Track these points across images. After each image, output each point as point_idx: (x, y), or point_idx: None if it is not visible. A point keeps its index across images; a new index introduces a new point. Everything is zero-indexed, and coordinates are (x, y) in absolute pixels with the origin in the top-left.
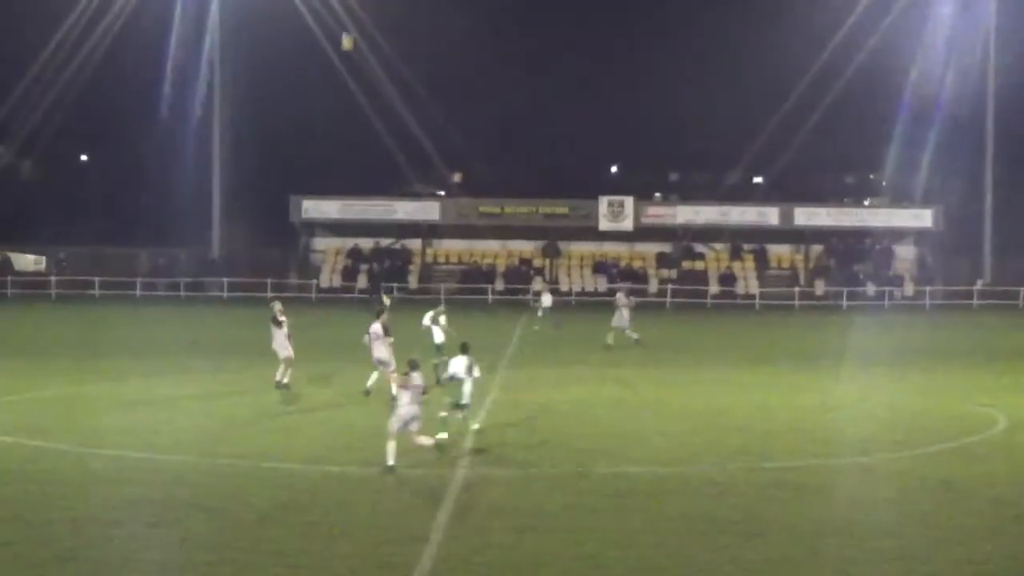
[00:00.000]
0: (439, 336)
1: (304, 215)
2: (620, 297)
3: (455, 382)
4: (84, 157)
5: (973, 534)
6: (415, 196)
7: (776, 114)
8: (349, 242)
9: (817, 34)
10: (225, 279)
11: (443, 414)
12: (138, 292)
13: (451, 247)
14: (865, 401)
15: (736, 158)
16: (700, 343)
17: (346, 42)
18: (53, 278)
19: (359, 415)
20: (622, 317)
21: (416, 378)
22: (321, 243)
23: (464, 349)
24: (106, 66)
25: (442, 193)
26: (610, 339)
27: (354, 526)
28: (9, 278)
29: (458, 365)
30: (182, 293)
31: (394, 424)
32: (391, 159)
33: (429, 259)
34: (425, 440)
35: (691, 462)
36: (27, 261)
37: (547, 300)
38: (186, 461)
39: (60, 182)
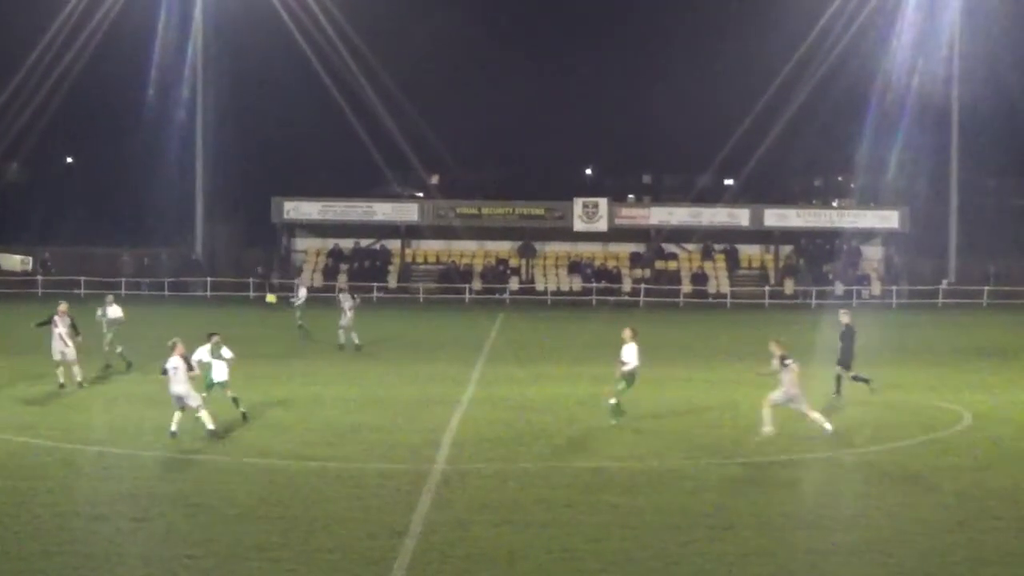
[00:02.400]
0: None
1: (285, 216)
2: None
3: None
4: (69, 159)
5: (938, 526)
6: (394, 197)
7: (747, 117)
8: (330, 242)
9: (786, 38)
10: (208, 279)
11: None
12: (123, 292)
13: (429, 247)
14: (833, 398)
15: (708, 161)
16: (673, 341)
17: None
18: (39, 278)
19: (339, 412)
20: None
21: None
22: (302, 243)
23: (209, 337)
24: (91, 68)
25: (420, 195)
26: None
27: (335, 520)
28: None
29: (202, 352)
30: (166, 293)
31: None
32: (370, 161)
33: (408, 259)
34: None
35: (663, 457)
36: (13, 261)
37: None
38: (169, 457)
39: (45, 183)
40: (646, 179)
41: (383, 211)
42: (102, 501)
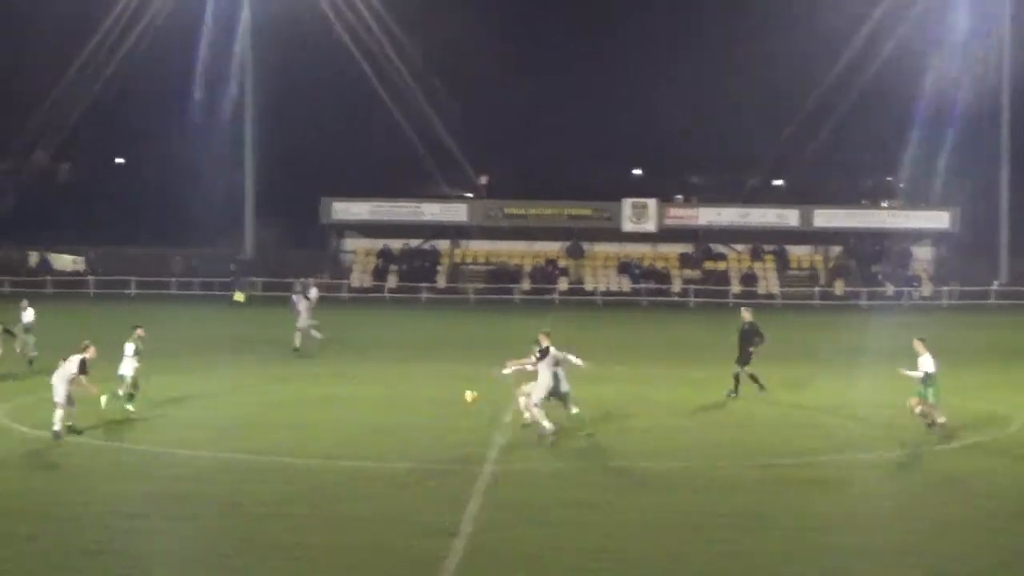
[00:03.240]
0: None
1: (334, 216)
2: None
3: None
4: (119, 159)
5: (972, 529)
6: (443, 198)
7: (796, 118)
8: (379, 243)
9: (836, 38)
10: (259, 279)
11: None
12: (173, 291)
13: (478, 248)
14: (877, 398)
15: (757, 161)
16: (721, 341)
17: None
18: (91, 278)
19: (373, 412)
20: None
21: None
22: (351, 244)
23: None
24: (140, 69)
25: (469, 195)
26: None
27: (383, 520)
28: (48, 277)
29: (128, 349)
30: (216, 293)
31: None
32: (419, 161)
33: (457, 259)
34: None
35: (698, 458)
36: (65, 261)
37: None
38: (207, 457)
39: (95, 184)
40: (695, 180)
41: (432, 211)
42: (140, 500)
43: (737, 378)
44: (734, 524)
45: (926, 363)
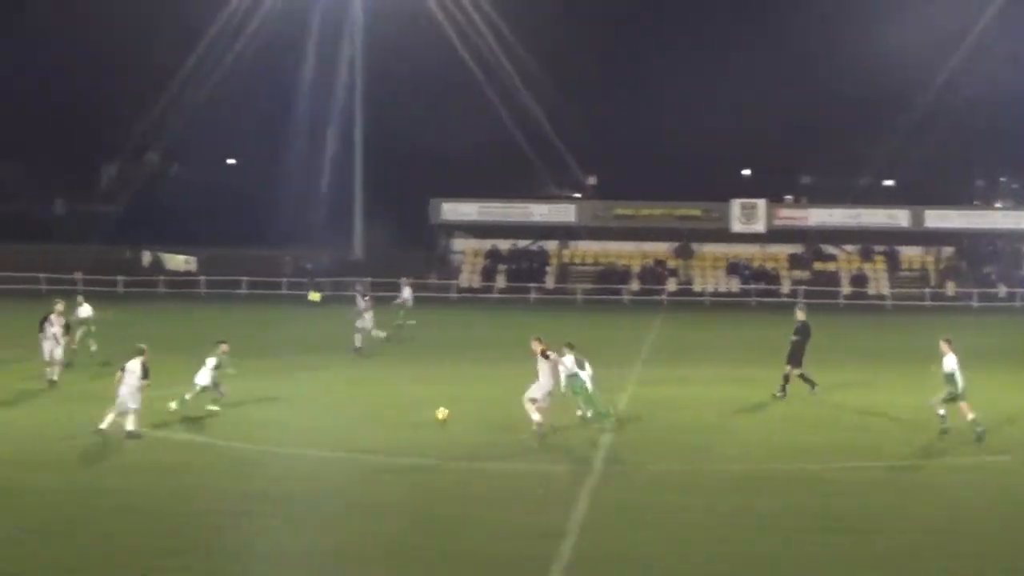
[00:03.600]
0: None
1: (443, 217)
2: None
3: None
4: (231, 160)
5: None
6: (551, 198)
7: (906, 117)
8: (487, 243)
9: (948, 36)
10: (368, 279)
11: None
12: (284, 292)
13: (587, 248)
14: (988, 400)
15: (867, 161)
16: (830, 344)
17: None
18: (202, 278)
19: (493, 412)
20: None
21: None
22: (460, 244)
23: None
24: (251, 70)
25: (578, 195)
26: None
27: (491, 520)
28: (160, 277)
29: (209, 362)
30: (325, 293)
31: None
32: (528, 161)
33: (565, 260)
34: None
35: (802, 460)
36: (177, 261)
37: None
38: (320, 456)
39: (207, 185)
40: (804, 180)
41: (540, 212)
42: (245, 499)
43: (786, 378)
44: (838, 526)
45: (950, 363)
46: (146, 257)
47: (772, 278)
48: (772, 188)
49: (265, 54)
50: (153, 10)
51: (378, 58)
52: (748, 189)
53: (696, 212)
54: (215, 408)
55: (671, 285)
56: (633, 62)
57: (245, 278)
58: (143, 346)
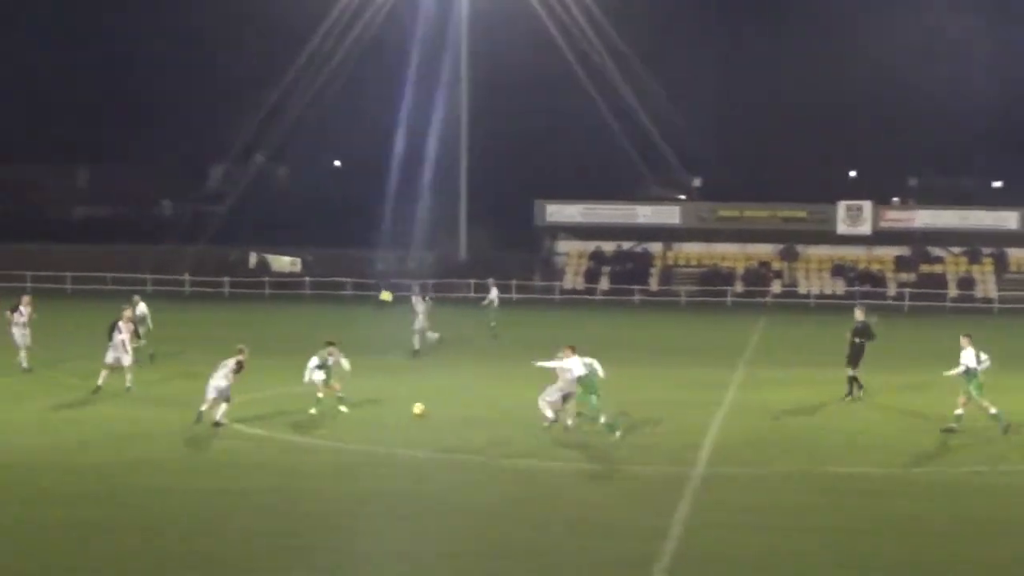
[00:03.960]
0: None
1: (548, 219)
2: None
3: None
4: (336, 162)
5: None
6: (655, 200)
7: (1015, 119)
8: (591, 245)
9: None
10: (472, 281)
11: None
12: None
13: (691, 250)
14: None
15: (974, 162)
16: (936, 347)
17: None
18: (307, 279)
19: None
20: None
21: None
22: (564, 246)
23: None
24: (356, 72)
25: (682, 197)
26: None
27: (592, 521)
28: (266, 279)
29: (312, 361)
30: (431, 295)
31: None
32: (631, 163)
33: (669, 262)
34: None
35: (920, 464)
36: (283, 262)
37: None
38: (427, 456)
39: (312, 186)
40: (911, 181)
41: (644, 214)
42: (364, 499)
43: (851, 381)
44: (959, 530)
45: (967, 357)
46: (252, 258)
47: (878, 280)
48: (878, 190)
49: (371, 56)
50: (261, 12)
51: (483, 60)
52: (854, 191)
53: (801, 214)
54: (345, 409)
55: (775, 287)
56: (739, 63)
57: (350, 279)
58: (242, 346)
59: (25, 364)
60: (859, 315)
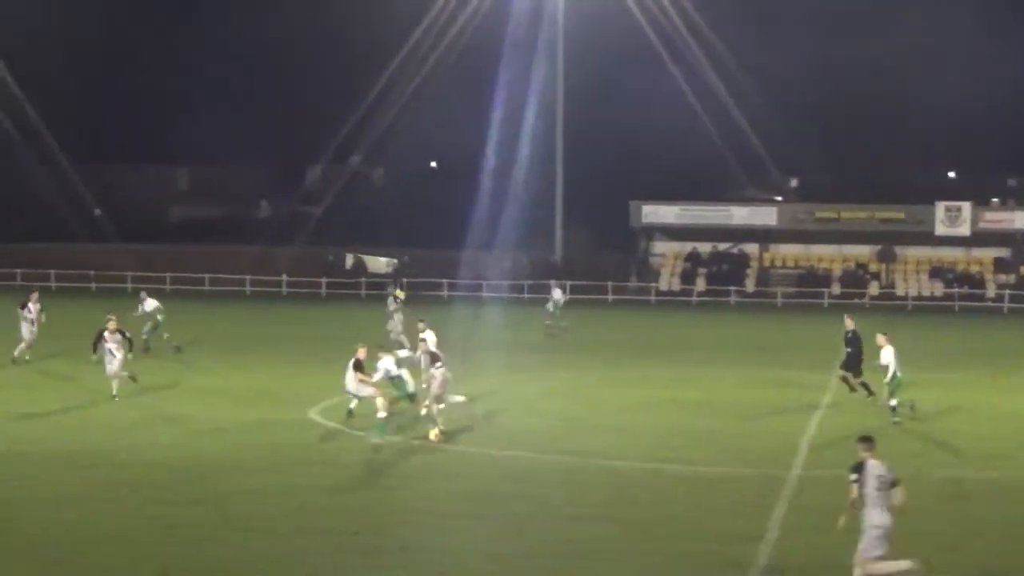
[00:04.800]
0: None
1: (643, 220)
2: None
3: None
4: (433, 164)
5: None
6: (751, 201)
7: None
8: (687, 246)
9: None
10: (567, 282)
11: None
12: (485, 294)
13: (787, 251)
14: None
15: None
16: None
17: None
18: (404, 280)
19: (685, 416)
20: None
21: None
22: (660, 247)
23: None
24: (451, 74)
25: (779, 198)
26: None
27: (690, 523)
28: (363, 279)
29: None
30: (525, 295)
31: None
32: (727, 164)
33: (766, 263)
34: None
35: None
36: (379, 263)
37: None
38: (525, 457)
39: (408, 187)
40: (1011, 182)
41: (741, 215)
42: (454, 498)
43: (864, 386)
44: None
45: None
46: (349, 259)
47: (977, 282)
48: (978, 190)
49: (468, 57)
50: (358, 16)
51: (578, 61)
52: (953, 191)
53: (899, 215)
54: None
55: (873, 289)
56: (837, 63)
57: (446, 280)
58: (357, 345)
59: (16, 354)
60: (848, 324)
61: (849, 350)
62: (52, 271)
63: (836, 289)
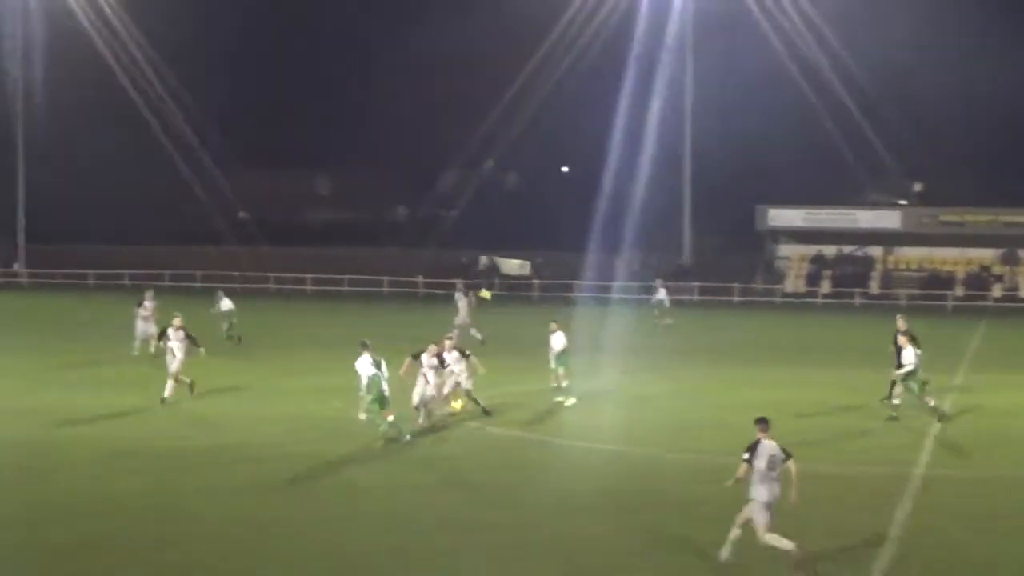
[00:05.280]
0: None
1: (770, 223)
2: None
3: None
4: (564, 168)
5: None
6: (875, 205)
7: None
8: (812, 249)
9: None
10: (695, 283)
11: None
12: (614, 295)
13: (911, 254)
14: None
15: None
16: None
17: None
18: (535, 281)
19: (803, 417)
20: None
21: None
22: (786, 250)
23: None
24: (582, 80)
25: (903, 202)
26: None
27: (812, 522)
28: (496, 280)
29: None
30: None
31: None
32: (851, 168)
33: (890, 265)
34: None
35: None
36: (512, 265)
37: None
38: (652, 454)
39: (541, 192)
40: None
41: (865, 219)
42: (585, 493)
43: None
44: None
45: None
46: (482, 261)
47: None
48: None
49: (598, 64)
50: (492, 26)
51: (705, 67)
52: None
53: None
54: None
55: (996, 291)
56: (957, 69)
57: (576, 282)
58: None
59: (136, 352)
60: (901, 324)
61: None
62: (198, 272)
63: (959, 291)
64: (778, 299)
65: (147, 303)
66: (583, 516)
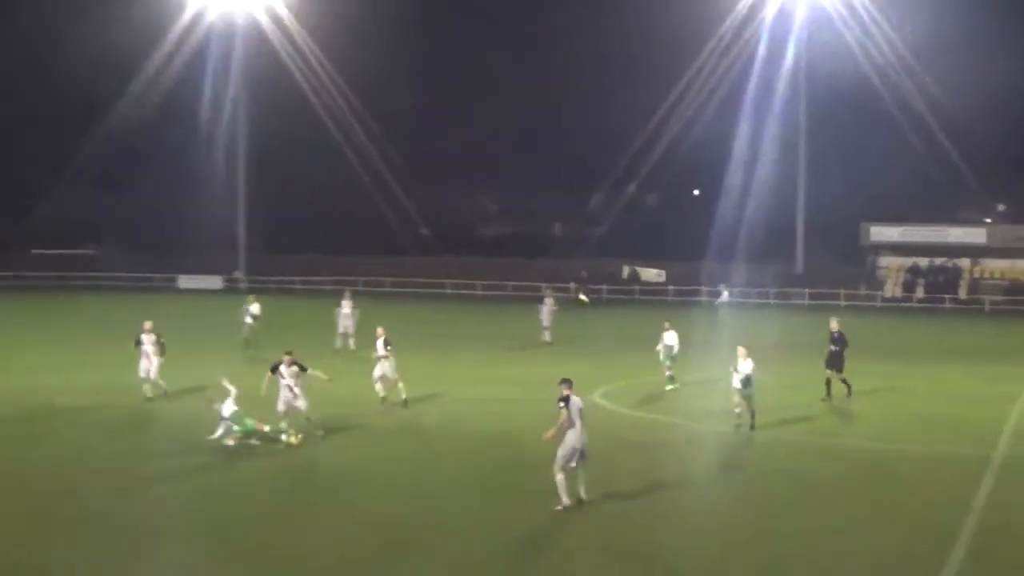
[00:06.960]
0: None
1: (871, 239)
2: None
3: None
4: (695, 191)
5: None
6: (964, 223)
7: None
8: (908, 260)
9: None
10: (807, 290)
11: None
12: (734, 300)
13: (996, 265)
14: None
15: None
16: None
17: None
18: (671, 287)
19: (914, 404)
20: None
21: None
22: (885, 261)
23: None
24: (709, 111)
25: (988, 220)
26: None
27: (908, 494)
28: (636, 287)
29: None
30: (770, 301)
31: None
32: (941, 190)
33: (976, 275)
34: None
35: None
36: (650, 273)
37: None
38: (772, 437)
39: (677, 210)
40: None
41: (955, 234)
42: (710, 471)
43: (828, 383)
44: None
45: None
46: (625, 270)
47: None
48: None
49: (722, 98)
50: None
51: (818, 95)
52: None
53: None
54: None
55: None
56: None
57: (704, 288)
58: None
59: (338, 344)
60: (834, 325)
61: (834, 348)
62: (387, 279)
63: None
64: (878, 304)
65: (345, 303)
66: (705, 490)
